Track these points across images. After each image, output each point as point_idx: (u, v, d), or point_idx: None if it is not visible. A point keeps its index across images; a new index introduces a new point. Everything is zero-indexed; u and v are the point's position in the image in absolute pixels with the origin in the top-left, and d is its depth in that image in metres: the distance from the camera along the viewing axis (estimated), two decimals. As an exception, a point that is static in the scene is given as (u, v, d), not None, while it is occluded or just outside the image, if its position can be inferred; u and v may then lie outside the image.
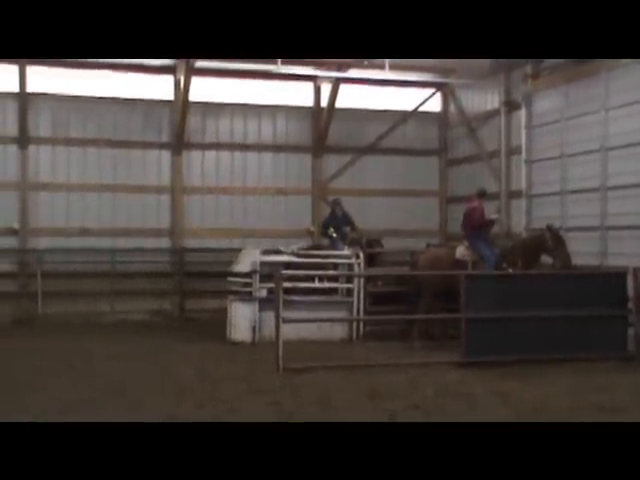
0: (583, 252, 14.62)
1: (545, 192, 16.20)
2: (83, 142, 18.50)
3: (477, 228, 14.16)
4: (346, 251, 15.60)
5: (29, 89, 18.15)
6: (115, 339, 14.76)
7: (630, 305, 12.36)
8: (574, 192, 15.33)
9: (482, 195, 14.63)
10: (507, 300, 11.81)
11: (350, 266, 15.17)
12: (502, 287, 12.05)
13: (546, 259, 14.11)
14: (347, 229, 16.28)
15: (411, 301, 14.53)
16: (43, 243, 18.00)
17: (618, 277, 12.52)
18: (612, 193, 14.37)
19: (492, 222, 14.58)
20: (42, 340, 14.54)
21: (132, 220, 18.65)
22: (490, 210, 14.85)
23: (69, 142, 18.44)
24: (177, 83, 18.79)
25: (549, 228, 13.98)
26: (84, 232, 18.28)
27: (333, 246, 16.08)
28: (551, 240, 13.83)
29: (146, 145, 18.91)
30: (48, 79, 18.27)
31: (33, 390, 9.85)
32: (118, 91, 18.70)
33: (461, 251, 14.18)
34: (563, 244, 13.88)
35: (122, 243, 18.29)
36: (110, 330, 16.10)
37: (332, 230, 16.33)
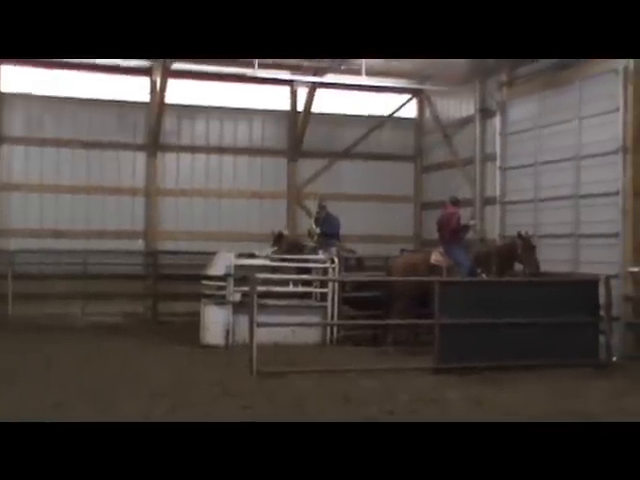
0: (556, 259, 14.73)
1: (519, 199, 16.31)
2: (57, 143, 18.38)
3: (454, 234, 14.21)
4: (320, 255, 15.63)
5: (3, 89, 18.02)
6: (87, 342, 14.65)
7: (602, 313, 12.48)
8: (547, 200, 15.45)
9: (456, 203, 14.69)
10: (481, 306, 11.86)
11: (324, 270, 15.19)
12: (476, 293, 12.12)
13: (521, 265, 14.22)
14: (316, 229, 16.29)
15: (385, 306, 14.56)
16: (15, 244, 17.82)
17: (590, 285, 12.63)
18: (585, 201, 14.50)
19: (468, 228, 14.65)
20: (12, 342, 14.36)
21: (106, 222, 18.55)
22: (466, 216, 14.92)
23: (43, 142, 18.32)
24: (153, 85, 18.74)
25: (519, 235, 14.09)
26: (57, 234, 18.16)
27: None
28: (521, 247, 13.95)
29: (121, 147, 18.82)
30: (22, 79, 18.15)
31: (3, 393, 9.73)
32: (93, 92, 18.60)
33: (436, 257, 14.22)
34: (533, 251, 13.99)
35: (95, 245, 18.17)
36: (82, 333, 15.97)
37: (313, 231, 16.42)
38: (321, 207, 16.66)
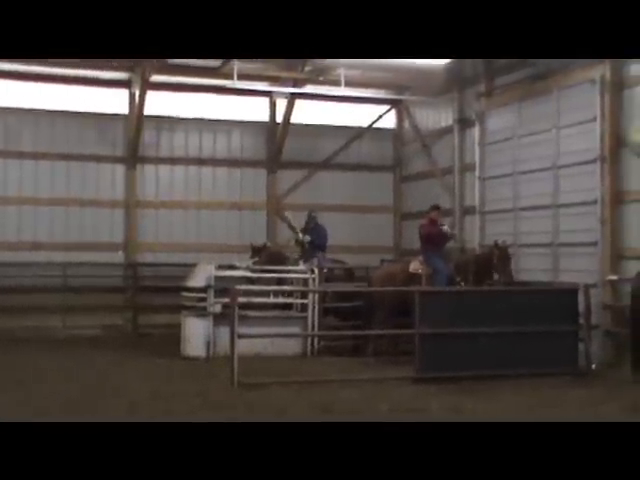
0: (535, 269, 14.83)
1: (498, 209, 16.38)
2: (35, 155, 18.29)
3: (433, 243, 14.23)
4: (301, 266, 15.66)
5: (-21, 102, 17.95)
6: (66, 355, 14.55)
7: (581, 321, 12.54)
8: (526, 209, 15.53)
9: (429, 212, 14.69)
10: (461, 316, 11.90)
11: (305, 281, 15.20)
12: (456, 303, 12.15)
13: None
14: (307, 237, 16.33)
15: (366, 316, 14.58)
16: (-7, 257, 17.71)
17: (569, 293, 12.70)
18: (563, 210, 14.58)
19: (446, 236, 14.62)
20: (-9, 356, 14.27)
21: (85, 234, 18.46)
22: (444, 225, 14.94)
23: (21, 155, 18.21)
24: (132, 97, 18.70)
25: (496, 245, 14.13)
26: (36, 246, 18.05)
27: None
28: (497, 257, 13.93)
29: (100, 159, 18.76)
30: (0, 91, 18.06)
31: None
32: (72, 104, 18.53)
33: (415, 265, 14.26)
34: (508, 262, 13.96)
35: (75, 257, 18.06)
36: (62, 346, 15.84)
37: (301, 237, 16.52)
38: (311, 217, 16.73)
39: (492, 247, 14.23)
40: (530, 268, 15.03)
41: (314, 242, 16.30)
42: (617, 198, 13.46)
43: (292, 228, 17.25)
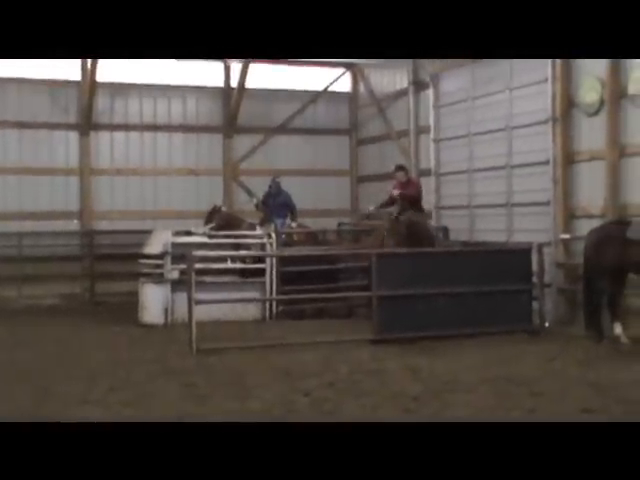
0: (490, 229, 15.01)
1: (453, 170, 16.49)
2: (-13, 124, 18.02)
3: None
4: (258, 231, 15.67)
5: None
6: (23, 325, 14.48)
7: (534, 280, 12.74)
8: (481, 170, 15.66)
9: (395, 172, 14.76)
10: (417, 277, 12.02)
11: (262, 246, 15.21)
12: (412, 264, 12.26)
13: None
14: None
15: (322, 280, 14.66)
16: (-53, 228, 17.47)
17: (523, 253, 12.88)
18: (517, 171, 14.74)
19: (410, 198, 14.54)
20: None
21: (40, 203, 18.25)
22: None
23: (-28, 125, 17.94)
24: (84, 63, 18.43)
25: (396, 219, 14.08)
26: (-11, 216, 17.85)
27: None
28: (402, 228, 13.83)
29: (53, 126, 18.49)
30: (-52, 59, 17.69)
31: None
32: (23, 72, 18.20)
33: None
34: (417, 235, 13.72)
35: (29, 227, 17.89)
36: (18, 316, 15.75)
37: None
38: (275, 183, 16.77)
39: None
40: (485, 229, 15.21)
41: (277, 206, 16.41)
42: (568, 158, 13.61)
43: (250, 193, 17.27)
